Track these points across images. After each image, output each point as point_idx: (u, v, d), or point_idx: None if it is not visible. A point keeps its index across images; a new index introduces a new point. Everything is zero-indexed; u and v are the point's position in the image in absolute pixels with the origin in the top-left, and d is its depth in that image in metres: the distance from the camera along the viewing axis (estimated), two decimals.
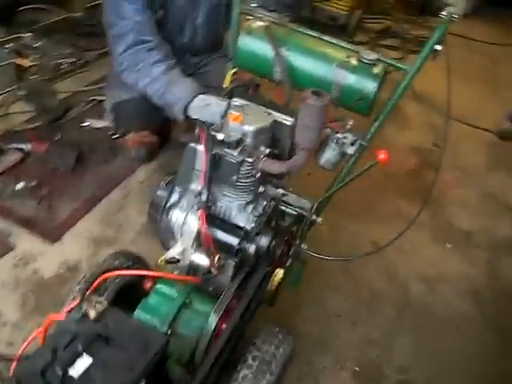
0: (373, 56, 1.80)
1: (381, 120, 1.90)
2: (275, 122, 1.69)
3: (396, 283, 2.64)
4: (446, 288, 2.68)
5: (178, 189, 1.75)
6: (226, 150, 1.63)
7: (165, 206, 1.76)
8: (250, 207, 1.74)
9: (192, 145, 1.65)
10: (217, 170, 1.65)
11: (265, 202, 1.77)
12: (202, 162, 1.64)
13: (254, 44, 1.88)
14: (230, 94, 1.83)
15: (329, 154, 1.93)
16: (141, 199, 2.76)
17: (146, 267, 1.95)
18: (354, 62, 1.80)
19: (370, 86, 1.79)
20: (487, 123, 4.09)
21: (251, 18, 1.95)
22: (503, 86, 4.74)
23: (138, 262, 1.92)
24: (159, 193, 1.80)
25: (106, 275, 1.60)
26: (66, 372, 1.14)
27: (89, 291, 1.58)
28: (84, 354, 1.18)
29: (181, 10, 2.55)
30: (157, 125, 2.83)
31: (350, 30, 4.99)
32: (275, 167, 1.65)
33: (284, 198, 1.83)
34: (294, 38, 1.88)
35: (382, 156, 1.77)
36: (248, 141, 1.64)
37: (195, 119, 1.74)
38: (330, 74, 1.82)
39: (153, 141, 2.98)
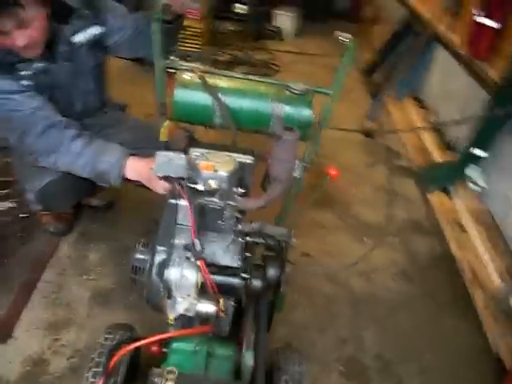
0: (301, 86, 2.01)
1: (317, 141, 2.11)
2: (239, 163, 1.81)
3: (339, 284, 2.88)
4: (379, 276, 2.98)
5: (160, 248, 1.78)
6: (206, 198, 1.71)
7: (150, 268, 1.77)
8: (232, 246, 1.83)
9: (172, 201, 1.71)
10: (200, 219, 1.72)
11: (242, 239, 1.87)
12: (187, 215, 1.70)
13: (191, 95, 1.96)
14: (167, 147, 1.92)
15: None
16: (76, 272, 2.65)
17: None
18: (286, 94, 1.99)
19: (306, 113, 1.99)
20: (352, 125, 4.59)
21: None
22: (349, 90, 5.33)
23: (131, 329, 1.89)
24: (138, 256, 1.82)
25: (125, 350, 1.58)
26: None
27: (108, 370, 1.57)
28: None
29: (67, 87, 2.47)
30: (86, 196, 2.74)
31: None
32: (255, 203, 1.77)
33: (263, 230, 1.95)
34: (225, 82, 2.01)
35: (333, 172, 1.98)
36: (223, 185, 1.73)
37: (164, 177, 1.78)
38: (268, 109, 1.98)
39: (70, 212, 2.88)
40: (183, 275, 1.72)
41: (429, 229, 3.46)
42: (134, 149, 2.29)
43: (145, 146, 2.36)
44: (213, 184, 1.70)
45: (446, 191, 3.67)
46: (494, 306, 2.74)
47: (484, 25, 3.55)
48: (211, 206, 1.72)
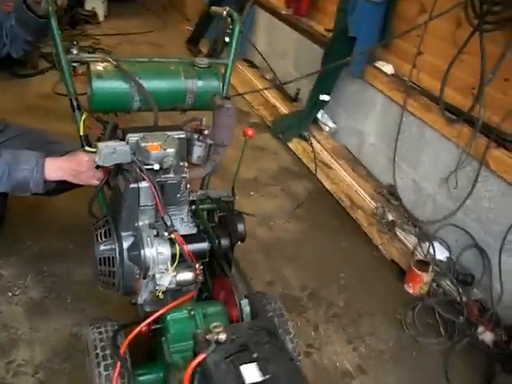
0: (205, 61, 2.18)
1: None
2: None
3: (248, 236, 3.15)
4: (276, 222, 3.33)
5: (125, 233, 1.85)
6: (163, 176, 1.82)
7: (121, 255, 1.84)
8: (187, 216, 1.98)
9: (133, 185, 1.77)
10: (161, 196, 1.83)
11: (193, 207, 2.03)
12: (148, 196, 1.79)
13: (109, 84, 2.00)
14: (112, 136, 1.97)
15: (198, 151, 2.26)
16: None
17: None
18: (195, 69, 2.15)
19: (216, 83, 2.18)
20: None
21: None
22: None
23: (111, 320, 1.93)
24: (104, 248, 1.86)
25: (133, 334, 1.67)
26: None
27: (122, 356, 1.65)
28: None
29: None
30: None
31: (34, 61, 4.94)
32: (203, 171, 1.94)
33: (209, 195, 2.11)
34: (138, 67, 2.09)
35: (250, 132, 2.21)
36: (174, 161, 1.85)
37: (115, 165, 1.83)
38: (182, 86, 2.12)
39: None
40: (158, 252, 1.83)
41: (300, 173, 3.89)
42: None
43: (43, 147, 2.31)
44: (166, 162, 1.82)
45: (302, 137, 4.14)
46: (376, 222, 3.29)
47: None
48: (169, 182, 1.83)
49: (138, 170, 1.78)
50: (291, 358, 1.43)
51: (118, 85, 2.02)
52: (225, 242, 1.93)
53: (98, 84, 1.98)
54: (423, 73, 3.25)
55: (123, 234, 1.85)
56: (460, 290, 2.77)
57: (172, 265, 1.83)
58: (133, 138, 1.90)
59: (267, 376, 1.30)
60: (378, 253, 3.15)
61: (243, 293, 1.84)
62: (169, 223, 1.81)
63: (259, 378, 1.33)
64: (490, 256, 2.74)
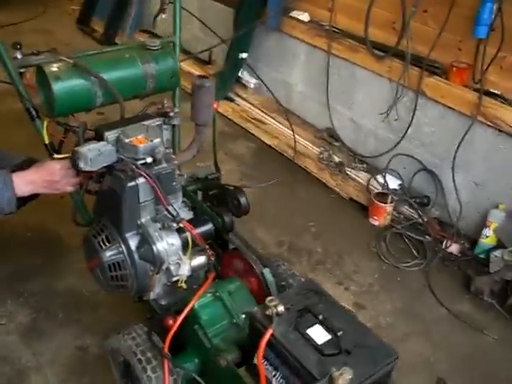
0: (156, 42, 2.10)
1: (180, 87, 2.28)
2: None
3: None
4: None
5: (129, 234, 1.80)
6: (156, 168, 1.78)
7: (131, 256, 1.80)
8: (181, 201, 1.96)
9: (131, 183, 1.72)
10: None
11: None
12: (147, 191, 1.75)
13: (70, 85, 1.88)
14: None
15: (166, 135, 2.20)
16: None
17: None
18: (150, 52, 2.07)
19: (172, 62, 2.12)
20: None
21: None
22: (68, 43, 5.12)
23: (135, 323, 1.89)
24: (111, 253, 1.80)
25: (175, 327, 1.67)
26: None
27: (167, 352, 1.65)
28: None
29: None
30: None
31: None
32: (190, 154, 1.92)
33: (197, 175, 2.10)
34: (92, 61, 1.97)
35: (214, 105, 2.20)
36: (162, 150, 1.82)
37: (104, 168, 1.76)
38: (141, 72, 2.04)
39: None
40: (169, 243, 1.81)
41: (236, 134, 3.91)
42: None
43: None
44: (158, 153, 1.78)
45: (229, 99, 4.13)
46: (325, 166, 3.42)
47: None
48: (164, 172, 1.80)
49: (132, 167, 1.72)
50: (347, 310, 1.52)
51: (79, 83, 1.90)
52: (228, 218, 1.95)
53: (58, 86, 1.85)
54: (341, 15, 3.35)
55: (127, 234, 1.80)
56: (419, 212, 3.01)
57: (185, 253, 1.82)
58: (111, 135, 1.84)
59: (340, 333, 1.37)
60: (335, 195, 3.30)
61: (259, 263, 1.89)
62: (175, 212, 1.79)
63: (329, 336, 1.41)
64: (440, 175, 2.98)
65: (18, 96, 1.95)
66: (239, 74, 4.10)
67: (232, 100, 4.11)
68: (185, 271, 1.81)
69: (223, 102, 4.12)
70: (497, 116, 2.60)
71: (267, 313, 1.46)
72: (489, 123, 2.65)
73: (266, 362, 1.48)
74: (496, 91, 2.66)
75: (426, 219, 2.98)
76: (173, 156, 1.87)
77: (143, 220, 1.81)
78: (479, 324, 2.46)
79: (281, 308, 1.45)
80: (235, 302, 1.84)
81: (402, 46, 2.94)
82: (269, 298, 1.50)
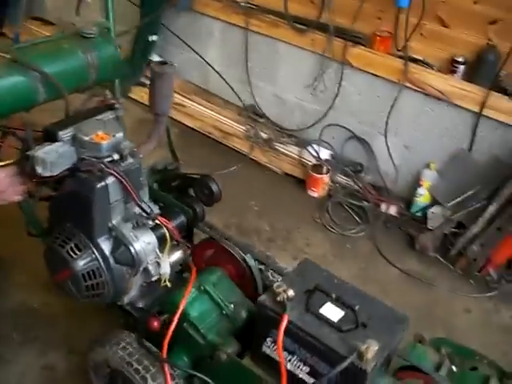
0: (92, 28, 1.94)
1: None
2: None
3: None
4: None
5: (102, 239, 1.67)
6: (122, 164, 1.66)
7: (106, 262, 1.68)
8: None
9: (101, 184, 1.59)
10: None
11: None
12: (117, 190, 1.64)
13: (6, 83, 1.68)
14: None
15: None
16: None
17: None
18: (89, 40, 1.91)
19: (113, 50, 1.98)
20: None
21: None
22: None
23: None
24: (83, 262, 1.67)
25: (171, 329, 1.60)
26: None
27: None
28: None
29: None
30: None
31: None
32: (152, 145, 1.81)
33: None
34: (29, 53, 1.77)
35: None
36: (127, 145, 1.70)
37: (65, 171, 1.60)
38: (83, 62, 1.88)
39: None
40: (146, 242, 1.71)
41: None
42: None
43: None
44: (124, 148, 1.66)
45: (141, 84, 3.94)
46: (254, 144, 3.40)
47: None
48: (132, 168, 1.68)
49: (101, 166, 1.59)
50: (349, 284, 1.54)
51: (18, 80, 1.71)
52: (199, 208, 1.88)
53: None
54: None
55: (99, 239, 1.67)
56: (354, 179, 3.12)
57: (162, 250, 1.73)
58: (66, 135, 1.68)
59: (356, 307, 1.39)
60: (269, 172, 3.32)
61: (240, 251, 1.85)
62: (149, 209, 1.69)
63: (342, 313, 1.42)
64: (370, 142, 3.10)
65: None
66: (150, 58, 3.92)
67: (145, 85, 3.92)
68: (167, 269, 1.73)
69: (137, 88, 3.94)
70: (422, 80, 2.75)
71: (278, 299, 1.44)
72: (415, 88, 2.79)
73: (275, 346, 1.48)
74: (418, 57, 2.80)
75: (361, 185, 3.10)
76: (135, 150, 1.75)
77: (114, 222, 1.69)
78: (429, 277, 2.63)
79: (291, 292, 1.44)
80: (220, 292, 1.79)
81: (324, 18, 2.98)
82: (276, 284, 1.48)
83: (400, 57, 2.82)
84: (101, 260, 1.67)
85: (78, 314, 2.24)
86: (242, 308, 1.79)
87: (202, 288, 1.78)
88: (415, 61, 2.80)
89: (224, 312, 1.75)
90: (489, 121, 2.66)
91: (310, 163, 3.18)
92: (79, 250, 1.66)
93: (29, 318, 2.24)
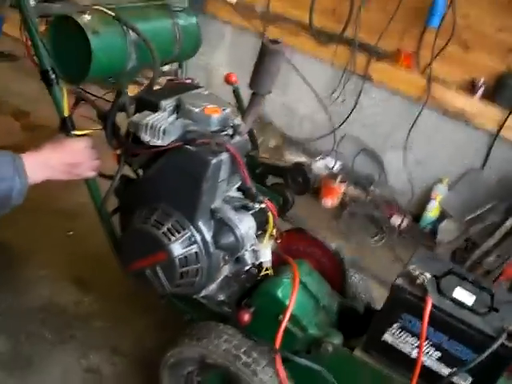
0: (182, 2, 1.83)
1: None
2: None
3: None
4: None
5: (203, 221, 1.54)
6: (234, 141, 1.56)
7: (206, 246, 1.54)
8: None
9: (216, 159, 1.47)
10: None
11: None
12: (226, 168, 1.53)
13: (108, 41, 1.53)
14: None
15: None
16: None
17: None
18: (175, 14, 1.80)
19: (196, 28, 1.89)
20: None
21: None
22: None
23: None
24: (181, 246, 1.52)
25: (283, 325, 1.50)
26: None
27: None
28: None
29: None
30: None
31: None
32: (246, 127, 1.71)
33: None
34: (125, 15, 1.62)
35: (233, 78, 2.03)
36: (239, 120, 1.62)
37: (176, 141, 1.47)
38: (171, 35, 1.77)
39: None
40: (248, 227, 1.60)
41: None
42: None
43: None
44: (239, 122, 1.57)
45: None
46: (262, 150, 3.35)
47: None
48: (240, 146, 1.57)
49: (220, 140, 1.47)
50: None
51: (117, 40, 1.56)
52: (291, 197, 1.80)
53: (96, 42, 1.48)
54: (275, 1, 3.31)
55: (200, 223, 1.53)
56: (366, 191, 3.16)
57: (263, 237, 1.63)
58: (169, 104, 1.55)
59: (493, 291, 1.38)
60: None
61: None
62: (255, 191, 1.59)
63: (473, 297, 1.41)
64: (381, 155, 3.17)
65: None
66: None
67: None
68: (268, 256, 1.63)
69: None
70: (443, 98, 2.87)
71: (417, 282, 1.40)
72: (435, 105, 2.90)
73: (402, 333, 1.43)
74: (439, 76, 2.92)
75: (371, 197, 3.14)
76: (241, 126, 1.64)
77: (217, 204, 1.57)
78: None
79: (428, 274, 1.41)
80: (313, 284, 1.71)
81: (348, 33, 3.05)
82: (411, 267, 1.45)
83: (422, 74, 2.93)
84: (201, 244, 1.53)
85: (114, 312, 2.06)
86: (334, 300, 1.73)
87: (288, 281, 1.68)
88: (436, 79, 2.92)
89: (321, 304, 1.67)
90: (505, 141, 2.81)
91: (322, 173, 3.18)
92: (178, 232, 1.51)
93: (60, 317, 2.00)
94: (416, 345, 1.41)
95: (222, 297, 1.73)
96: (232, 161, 1.52)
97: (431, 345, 1.40)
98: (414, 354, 1.42)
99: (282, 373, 1.48)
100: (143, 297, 2.11)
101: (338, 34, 3.08)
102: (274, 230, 1.69)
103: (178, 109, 1.55)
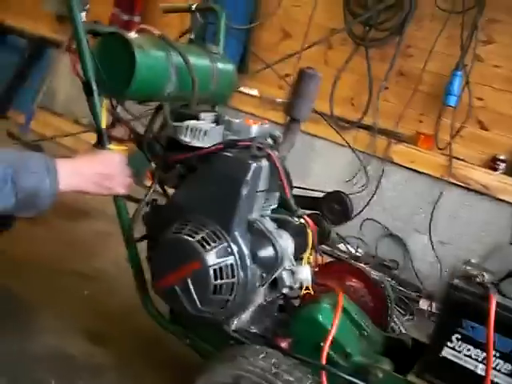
0: (218, 48, 1.93)
1: None
2: None
3: None
4: None
5: (239, 232, 1.45)
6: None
7: (242, 260, 1.44)
8: None
9: (257, 164, 1.44)
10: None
11: None
12: (266, 179, 1.49)
13: (151, 57, 1.58)
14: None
15: None
16: None
17: None
18: (215, 54, 1.88)
19: (232, 71, 1.95)
20: None
21: None
22: None
23: None
24: (216, 255, 1.41)
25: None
26: None
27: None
28: None
29: None
30: None
31: None
32: (287, 149, 1.70)
33: None
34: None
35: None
36: (279, 134, 1.63)
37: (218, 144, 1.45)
38: (210, 70, 1.82)
39: None
40: (287, 245, 1.51)
41: None
42: None
43: None
44: (279, 134, 1.56)
45: None
46: None
47: None
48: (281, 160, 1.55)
49: (260, 145, 1.45)
50: None
51: (160, 60, 1.61)
52: (328, 227, 1.71)
53: (140, 57, 1.53)
54: None
55: (236, 231, 1.44)
56: (391, 274, 3.03)
57: (302, 255, 1.53)
58: (208, 117, 1.57)
59: None
60: None
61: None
62: (295, 207, 1.53)
63: None
64: (405, 238, 3.10)
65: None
66: None
67: None
68: (307, 275, 1.51)
69: None
70: (466, 176, 2.89)
71: (478, 280, 1.27)
72: (458, 183, 2.91)
73: (464, 345, 1.27)
74: (459, 155, 2.97)
75: (396, 281, 3.00)
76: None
77: (254, 215, 1.49)
78: None
79: (487, 276, 1.29)
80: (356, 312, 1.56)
81: (367, 119, 3.17)
82: (467, 268, 1.34)
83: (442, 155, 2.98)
84: (237, 255, 1.43)
85: (128, 366, 1.88)
86: (379, 332, 1.57)
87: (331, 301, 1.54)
88: (457, 158, 2.96)
89: (365, 333, 1.51)
90: None
91: (346, 257, 3.08)
92: (213, 242, 1.42)
93: (68, 366, 1.82)
94: (482, 357, 1.25)
95: (254, 329, 1.58)
96: (272, 172, 1.50)
97: (499, 356, 1.24)
98: (480, 369, 1.25)
99: None
100: (160, 353, 1.96)
101: (357, 121, 3.20)
102: (312, 257, 1.61)
103: (217, 120, 1.56)
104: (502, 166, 2.86)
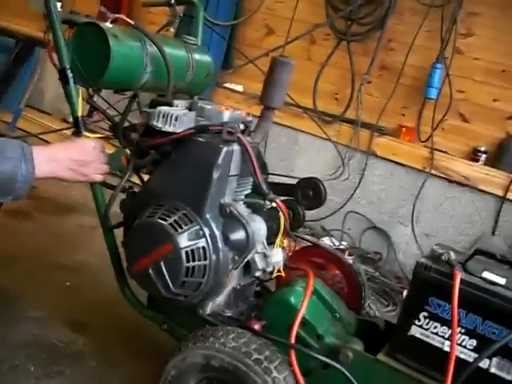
0: (194, 39, 1.95)
1: None
2: None
3: None
4: None
5: (211, 215, 1.48)
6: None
7: (214, 242, 1.46)
8: None
9: (227, 149, 1.46)
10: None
11: None
12: (238, 163, 1.51)
13: (126, 47, 1.60)
14: None
15: None
16: None
17: None
18: (192, 45, 1.91)
19: (209, 61, 1.98)
20: None
21: None
22: None
23: None
24: (188, 238, 1.44)
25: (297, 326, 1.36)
26: None
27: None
28: None
29: None
30: None
31: None
32: (261, 136, 1.72)
33: None
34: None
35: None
36: (251, 120, 1.65)
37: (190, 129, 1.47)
38: (186, 59, 1.85)
39: None
40: (258, 228, 1.53)
41: None
42: None
43: None
44: (250, 120, 1.58)
45: None
46: None
47: None
48: (253, 145, 1.57)
49: (232, 129, 1.47)
50: None
51: (134, 48, 1.64)
52: (302, 212, 1.74)
53: (115, 45, 1.56)
54: None
55: (208, 215, 1.47)
56: (374, 267, 3.06)
57: (274, 240, 1.56)
58: (182, 104, 1.59)
59: None
60: None
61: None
62: (267, 189, 1.55)
63: (504, 279, 1.30)
64: (388, 231, 3.13)
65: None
66: None
67: None
68: (279, 257, 1.53)
69: None
70: (448, 167, 2.92)
71: (443, 258, 1.30)
72: (440, 175, 2.94)
73: (431, 323, 1.29)
74: (441, 147, 3.01)
75: (380, 273, 3.03)
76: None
77: (227, 199, 1.52)
78: None
79: (453, 255, 1.32)
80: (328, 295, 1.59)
81: (350, 113, 3.20)
82: (435, 247, 1.36)
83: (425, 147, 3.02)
84: (209, 238, 1.45)
85: (108, 354, 1.89)
86: (352, 314, 1.59)
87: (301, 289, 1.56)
88: (438, 150, 2.99)
89: (337, 316, 1.54)
90: None
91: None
92: (185, 224, 1.45)
93: (48, 353, 1.83)
94: (448, 334, 1.27)
95: (229, 312, 1.60)
96: (244, 158, 1.52)
97: (465, 332, 1.26)
98: (447, 346, 1.27)
99: (298, 371, 1.31)
100: (139, 341, 1.98)
101: (340, 115, 3.22)
102: (285, 241, 1.63)
103: (190, 107, 1.58)
104: (483, 157, 2.90)
